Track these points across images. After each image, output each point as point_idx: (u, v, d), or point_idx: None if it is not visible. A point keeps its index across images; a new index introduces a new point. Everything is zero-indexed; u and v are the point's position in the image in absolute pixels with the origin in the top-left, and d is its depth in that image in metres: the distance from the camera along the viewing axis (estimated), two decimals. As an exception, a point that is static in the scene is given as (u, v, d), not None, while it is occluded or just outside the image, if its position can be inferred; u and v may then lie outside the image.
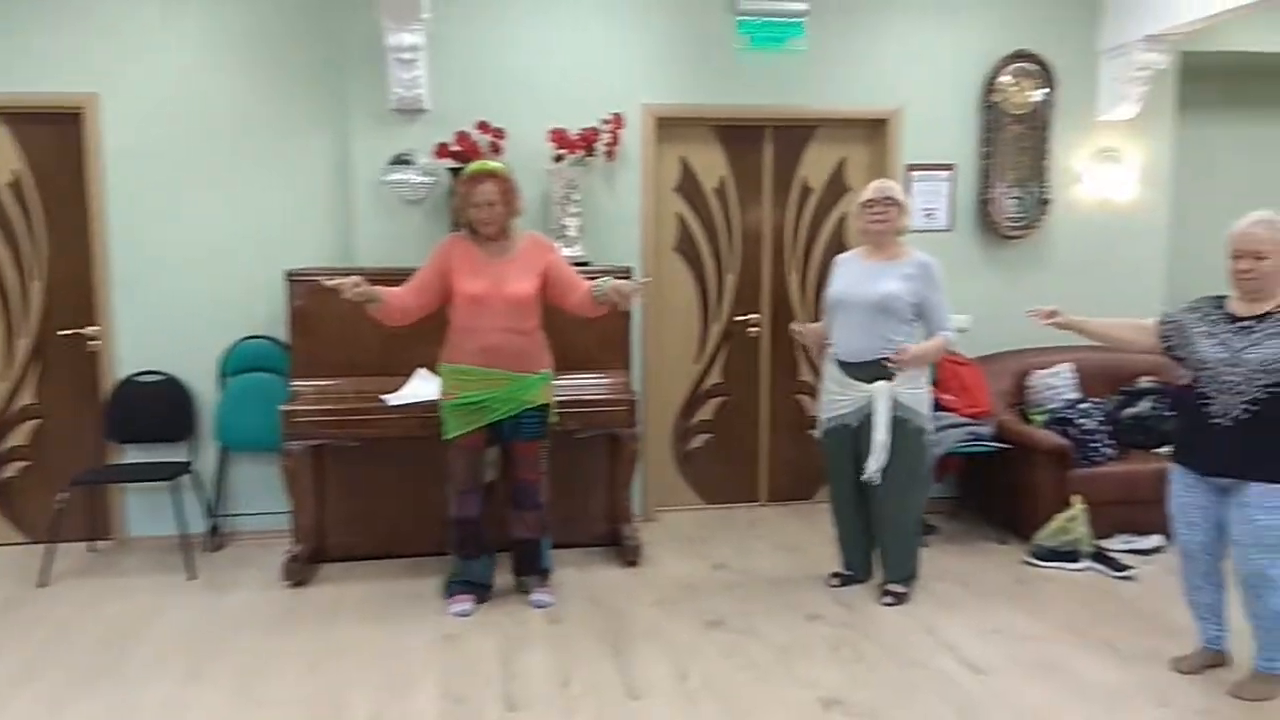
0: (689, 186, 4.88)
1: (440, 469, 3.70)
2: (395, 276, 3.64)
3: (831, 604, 3.78)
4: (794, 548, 4.45)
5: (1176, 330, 3.06)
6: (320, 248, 4.50)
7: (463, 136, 4.27)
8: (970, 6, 4.81)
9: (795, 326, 3.99)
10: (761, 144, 4.91)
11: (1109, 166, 4.96)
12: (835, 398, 3.78)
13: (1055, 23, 4.87)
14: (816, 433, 3.94)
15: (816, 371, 4.93)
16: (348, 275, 3.37)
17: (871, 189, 3.70)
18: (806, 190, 4.97)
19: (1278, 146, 5.72)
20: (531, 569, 3.83)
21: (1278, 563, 2.87)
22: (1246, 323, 2.88)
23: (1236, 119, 5.70)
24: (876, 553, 3.91)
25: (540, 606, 3.74)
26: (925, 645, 3.40)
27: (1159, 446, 4.56)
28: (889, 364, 3.54)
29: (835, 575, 3.99)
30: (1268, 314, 2.84)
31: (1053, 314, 3.27)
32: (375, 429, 3.88)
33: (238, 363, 4.45)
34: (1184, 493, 3.05)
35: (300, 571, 3.98)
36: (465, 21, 4.42)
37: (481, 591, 3.78)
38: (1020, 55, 4.83)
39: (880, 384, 3.63)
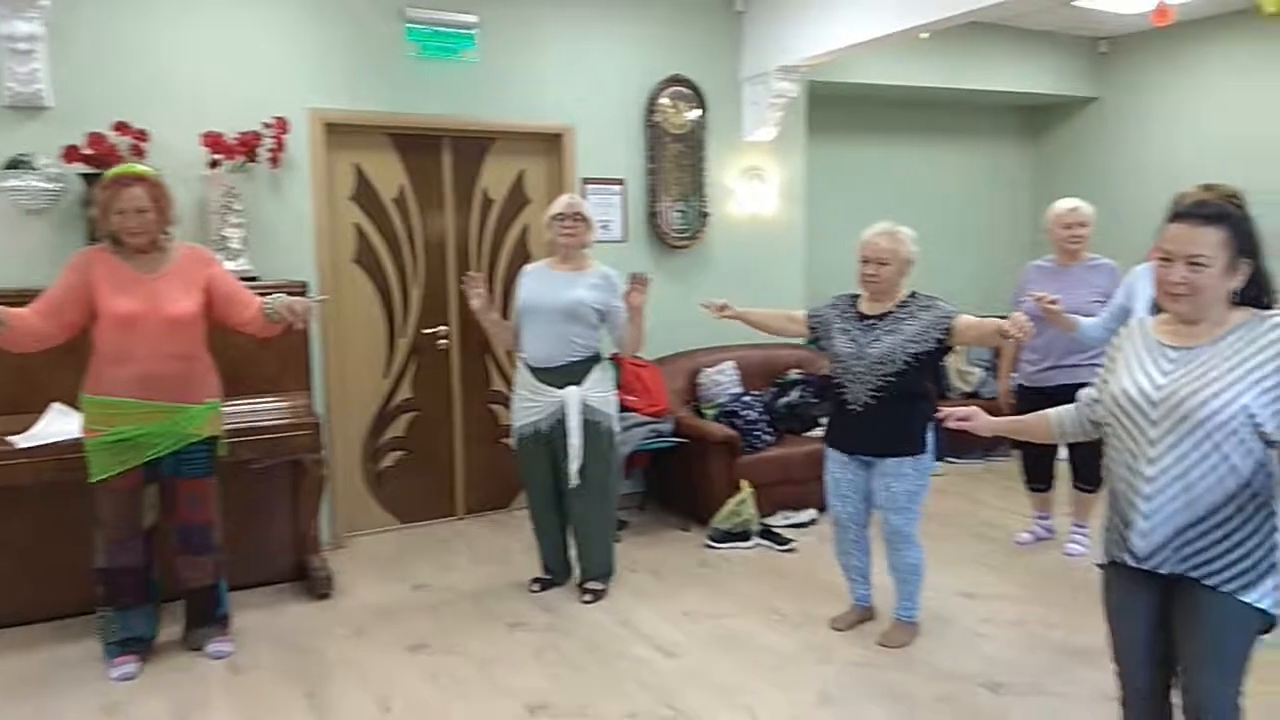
0: (366, 196, 4.71)
1: (87, 516, 3.25)
2: (15, 297, 3.14)
3: (534, 610, 3.84)
4: (494, 559, 4.46)
5: (821, 324, 3.48)
6: (-88, 267, 3.78)
7: (96, 138, 3.79)
8: (629, 31, 5.11)
9: (472, 278, 3.80)
10: (440, 154, 4.86)
11: (755, 184, 5.51)
12: (528, 404, 3.84)
13: (704, 51, 5.31)
14: (511, 440, 3.98)
15: (500, 365, 5.01)
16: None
17: (562, 204, 3.81)
18: (488, 201, 5.00)
19: (889, 166, 6.68)
20: (207, 619, 3.48)
21: (912, 521, 3.37)
22: (871, 320, 3.33)
23: (857, 142, 6.58)
24: (574, 553, 4.03)
25: (219, 657, 3.41)
26: (624, 637, 3.57)
27: (809, 430, 5.15)
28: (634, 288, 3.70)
29: (536, 581, 4.06)
30: (887, 313, 3.32)
31: (723, 307, 3.60)
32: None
33: None
34: (836, 470, 3.46)
35: (-96, 656, 3.32)
36: (95, 9, 3.93)
37: (144, 647, 3.37)
38: (675, 80, 5.21)
39: (571, 389, 3.75)
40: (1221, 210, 2.01)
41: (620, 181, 5.18)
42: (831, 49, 4.83)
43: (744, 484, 4.65)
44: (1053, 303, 3.66)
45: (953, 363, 6.17)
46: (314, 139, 4.41)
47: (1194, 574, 1.97)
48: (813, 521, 4.81)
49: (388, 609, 3.87)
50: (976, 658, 3.33)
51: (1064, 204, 4.24)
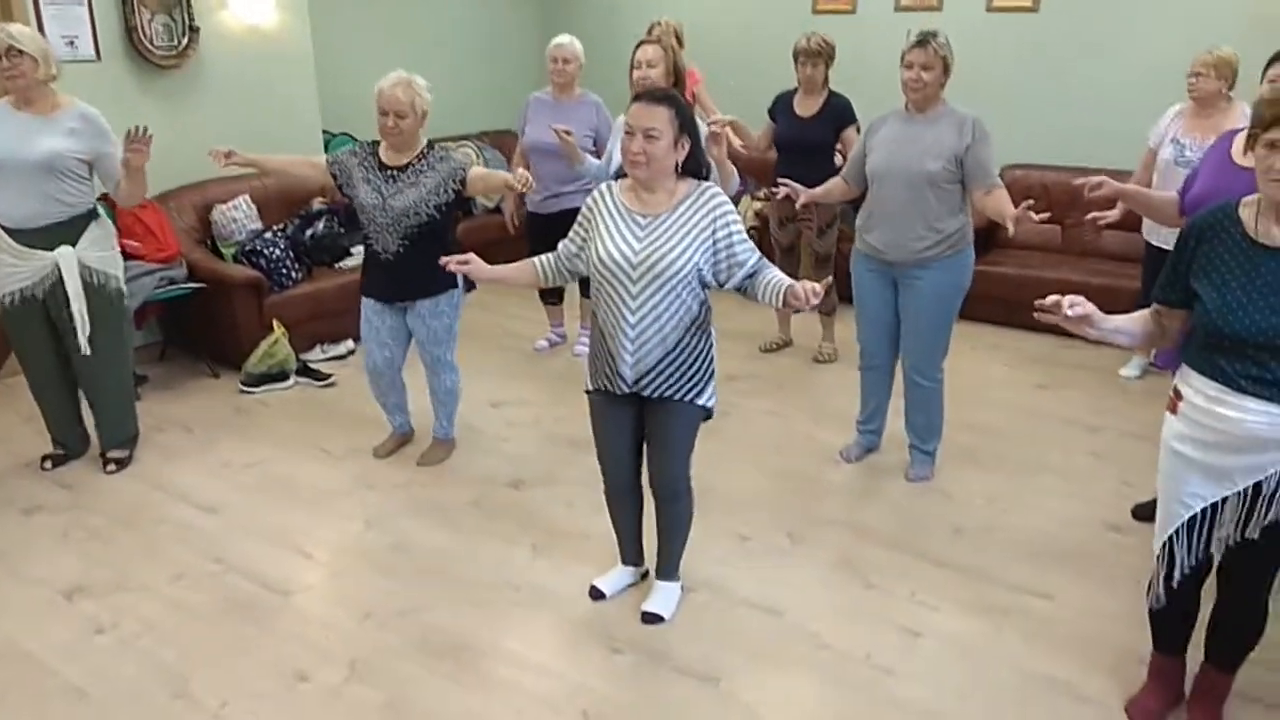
0: None
1: None
2: None
3: (52, 489, 3.57)
4: (-14, 438, 3.99)
5: (343, 171, 3.46)
6: None
7: None
8: None
9: None
10: None
11: (254, -8, 5.04)
12: (12, 269, 3.38)
13: None
14: (-4, 311, 3.50)
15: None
16: None
17: None
18: (-107, 9, 4.00)
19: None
20: None
21: (450, 350, 3.65)
22: (392, 171, 3.39)
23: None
24: (91, 422, 3.75)
25: None
26: (158, 501, 3.50)
27: (340, 260, 5.16)
28: None
29: (47, 458, 3.73)
30: (408, 164, 3.39)
31: (229, 154, 3.40)
32: None
33: None
34: (374, 318, 3.56)
35: None
36: None
37: None
38: None
39: (64, 249, 3.37)
40: (668, 94, 2.46)
41: (84, -12, 4.43)
42: None
43: (276, 324, 4.58)
44: (567, 133, 3.99)
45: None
46: None
47: (667, 393, 2.52)
48: (351, 353, 4.93)
49: None
50: (502, 460, 3.84)
51: (555, 39, 4.54)
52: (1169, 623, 2.37)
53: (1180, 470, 2.15)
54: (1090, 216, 3.79)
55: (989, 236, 5.30)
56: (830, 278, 2.46)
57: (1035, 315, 2.11)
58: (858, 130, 4.42)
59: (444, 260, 2.74)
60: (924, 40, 3.22)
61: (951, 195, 3.30)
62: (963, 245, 3.38)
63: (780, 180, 3.61)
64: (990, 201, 3.23)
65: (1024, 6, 5.53)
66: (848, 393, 4.06)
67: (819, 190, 3.61)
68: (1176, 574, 2.21)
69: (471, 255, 2.73)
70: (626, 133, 2.43)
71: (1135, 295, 4.63)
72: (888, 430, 3.87)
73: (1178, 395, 2.15)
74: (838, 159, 4.57)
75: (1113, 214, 3.99)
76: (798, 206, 3.67)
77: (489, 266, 2.75)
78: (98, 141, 3.37)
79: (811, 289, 2.28)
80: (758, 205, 5.94)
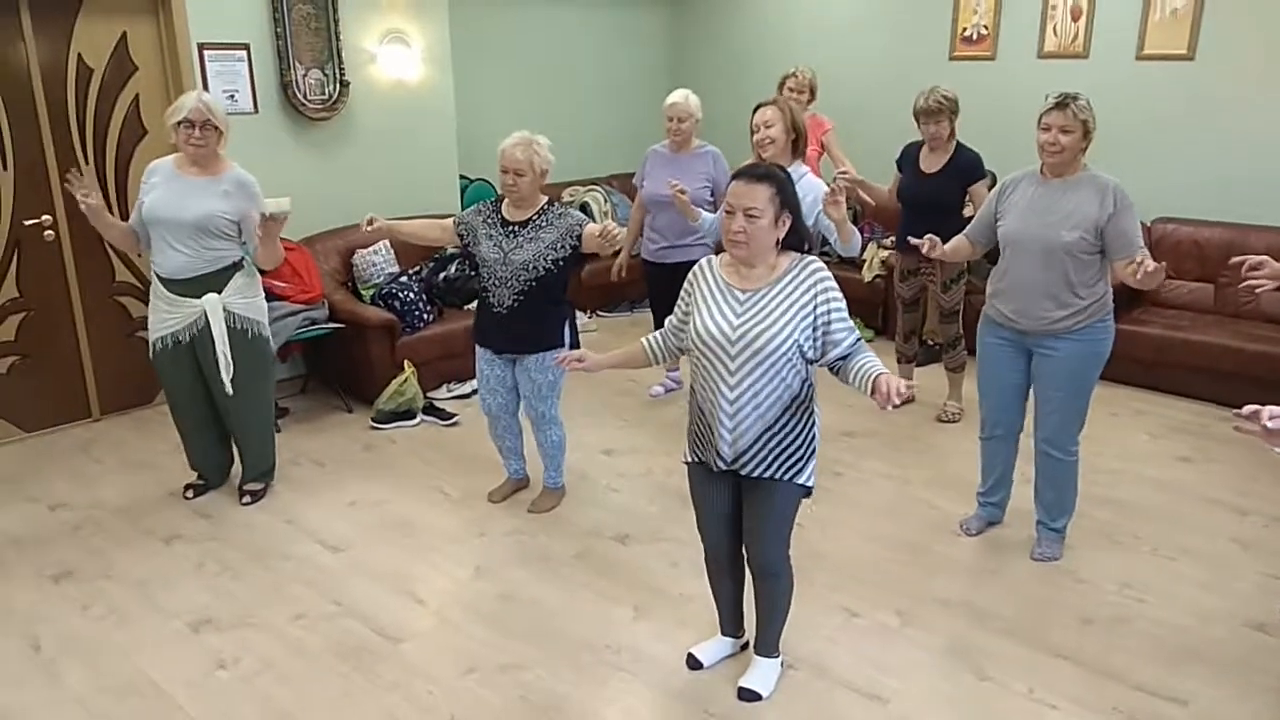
0: (-81, 68, 3.98)
1: None
2: None
3: (191, 518, 3.82)
4: (141, 464, 4.30)
5: (468, 229, 3.61)
6: None
7: None
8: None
9: (76, 178, 3.48)
10: (17, 13, 4.17)
11: (398, 48, 5.31)
12: (165, 316, 3.66)
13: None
14: (150, 353, 3.78)
15: (124, 256, 4.63)
16: None
17: (189, 108, 3.45)
18: (86, 69, 4.42)
19: (534, 26, 6.64)
20: None
21: (554, 406, 3.73)
22: (514, 226, 3.52)
23: (500, 2, 6.46)
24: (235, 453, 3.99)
25: None
26: (288, 536, 3.68)
27: (469, 303, 5.33)
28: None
29: (189, 487, 4.00)
30: (529, 220, 3.51)
31: (371, 221, 3.59)
32: None
33: None
34: (485, 366, 3.69)
35: None
36: None
37: None
38: (301, -69, 4.80)
39: (210, 297, 3.62)
40: (769, 171, 2.42)
41: (244, 47, 4.78)
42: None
43: (406, 364, 4.78)
44: (681, 192, 4.04)
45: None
46: None
47: (766, 473, 2.48)
48: (474, 392, 5.04)
49: (21, 536, 3.66)
50: (610, 512, 3.86)
51: (670, 97, 4.57)
52: None
53: None
54: (1244, 285, 3.53)
55: (1134, 293, 4.99)
56: (913, 383, 2.38)
57: (1234, 427, 1.93)
58: (989, 186, 4.27)
59: (556, 360, 2.80)
60: (1063, 102, 3.08)
61: (1090, 265, 3.14)
62: (1102, 314, 3.20)
63: (910, 238, 3.50)
64: (1130, 270, 3.04)
65: (1179, 54, 5.21)
66: (970, 456, 3.88)
67: (948, 247, 3.47)
68: None
69: (584, 351, 2.81)
70: (727, 211, 2.41)
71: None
72: (1012, 502, 3.68)
73: None
74: (969, 210, 4.42)
75: (1270, 284, 3.71)
76: (928, 254, 3.50)
77: (602, 356, 2.81)
78: (247, 204, 3.61)
79: (897, 388, 2.19)
80: (884, 254, 5.81)
